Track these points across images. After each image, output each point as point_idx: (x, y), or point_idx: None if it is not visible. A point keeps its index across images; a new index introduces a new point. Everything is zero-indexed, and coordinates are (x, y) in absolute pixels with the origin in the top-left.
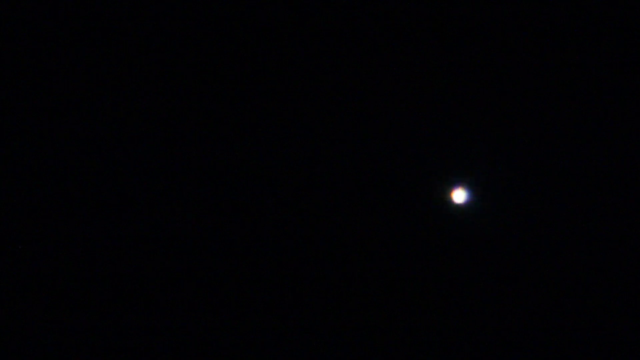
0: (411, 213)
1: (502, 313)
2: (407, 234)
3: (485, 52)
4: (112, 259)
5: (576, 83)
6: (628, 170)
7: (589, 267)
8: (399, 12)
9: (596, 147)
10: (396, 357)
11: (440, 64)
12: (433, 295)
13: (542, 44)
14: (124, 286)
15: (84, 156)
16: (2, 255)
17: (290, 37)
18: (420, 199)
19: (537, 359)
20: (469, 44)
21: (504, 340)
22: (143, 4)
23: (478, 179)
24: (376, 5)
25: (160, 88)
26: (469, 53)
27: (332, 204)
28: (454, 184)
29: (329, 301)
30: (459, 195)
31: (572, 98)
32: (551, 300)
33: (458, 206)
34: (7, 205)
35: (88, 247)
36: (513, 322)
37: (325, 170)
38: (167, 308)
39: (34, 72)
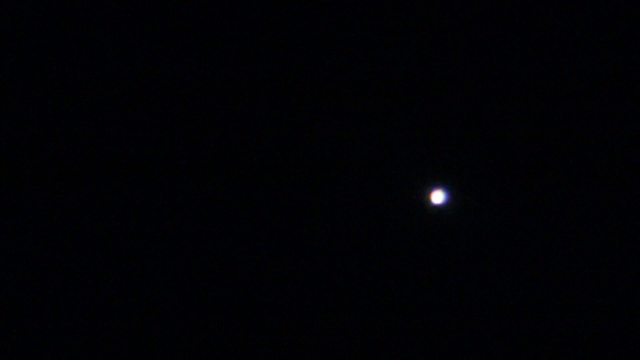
0: (390, 214)
1: (480, 314)
2: (386, 235)
3: (464, 54)
4: (112, 259)
5: (554, 85)
6: (605, 170)
7: (567, 268)
8: (370, 13)
9: (575, 148)
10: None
11: (419, 66)
12: (411, 295)
13: (518, 44)
14: (123, 286)
15: (84, 156)
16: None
17: (264, 39)
18: (399, 199)
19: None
20: (448, 47)
21: (480, 341)
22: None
23: (457, 180)
24: (346, 6)
25: (160, 88)
26: (448, 55)
27: (310, 205)
28: (433, 185)
29: (306, 302)
30: (438, 196)
31: (551, 99)
32: (529, 300)
33: (437, 207)
34: (7, 205)
35: (88, 246)
36: (490, 323)
37: (303, 171)
38: (167, 308)
39: (34, 72)
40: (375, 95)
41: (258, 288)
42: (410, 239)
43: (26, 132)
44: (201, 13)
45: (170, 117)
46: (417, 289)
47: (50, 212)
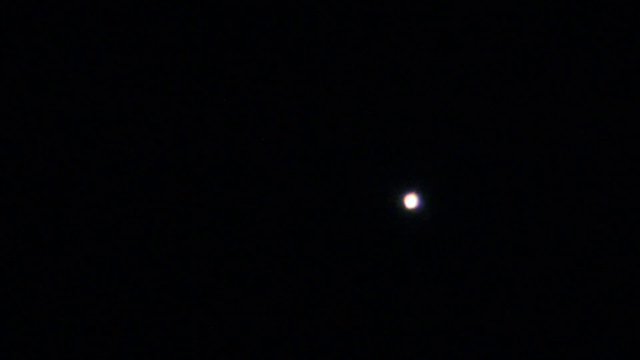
0: (363, 217)
1: (453, 315)
2: (359, 239)
3: (440, 58)
4: (112, 259)
5: (531, 87)
6: (578, 172)
7: (541, 271)
8: (339, 16)
9: (549, 152)
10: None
11: (396, 68)
12: (384, 298)
13: (495, 45)
14: (123, 287)
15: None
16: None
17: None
18: (372, 203)
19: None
20: (425, 50)
21: (451, 342)
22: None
23: (430, 184)
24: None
25: (160, 88)
26: (425, 58)
27: (285, 209)
28: (406, 189)
29: (280, 305)
30: (411, 201)
31: (526, 102)
32: (502, 302)
33: (410, 211)
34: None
35: (88, 247)
36: (463, 325)
37: (279, 175)
38: (167, 308)
39: (34, 72)
40: (356, 99)
41: (243, 289)
42: (386, 242)
43: (26, 131)
44: (201, 13)
45: (169, 117)
46: (393, 290)
47: (50, 212)
